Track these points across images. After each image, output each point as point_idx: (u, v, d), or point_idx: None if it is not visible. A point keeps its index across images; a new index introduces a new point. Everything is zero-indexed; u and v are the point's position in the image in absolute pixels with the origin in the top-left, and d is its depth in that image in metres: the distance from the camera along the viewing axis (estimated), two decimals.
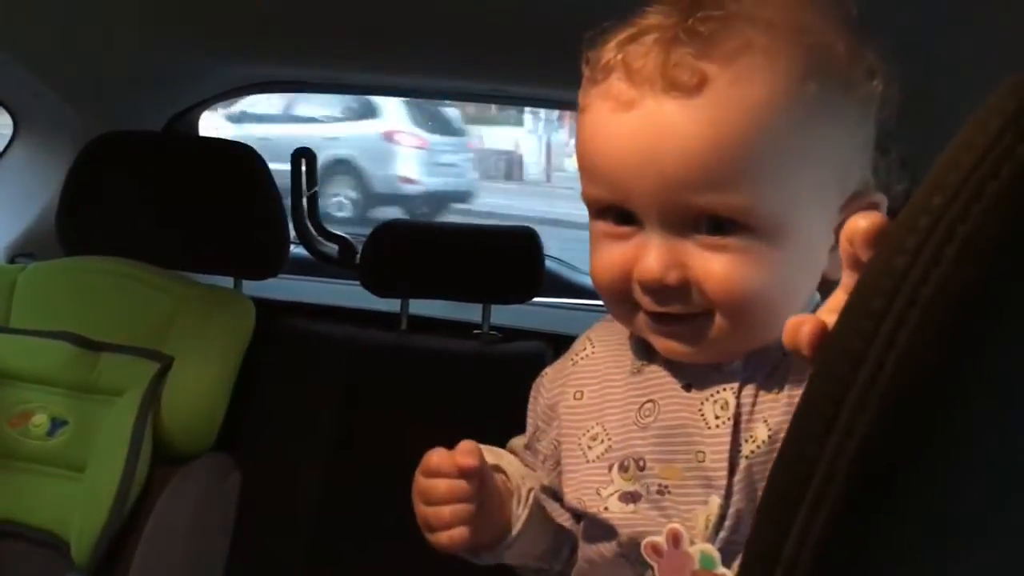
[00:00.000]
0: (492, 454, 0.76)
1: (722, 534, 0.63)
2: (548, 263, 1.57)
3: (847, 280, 0.43)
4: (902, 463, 0.28)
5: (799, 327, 0.40)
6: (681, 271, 0.60)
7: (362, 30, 1.30)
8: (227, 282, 1.55)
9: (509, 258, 1.51)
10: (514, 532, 0.73)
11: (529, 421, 0.79)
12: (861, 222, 0.39)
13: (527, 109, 11.33)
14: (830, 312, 0.39)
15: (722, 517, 0.63)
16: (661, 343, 0.65)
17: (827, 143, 0.60)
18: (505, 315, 1.57)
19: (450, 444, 0.70)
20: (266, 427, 1.43)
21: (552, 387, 0.76)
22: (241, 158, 1.50)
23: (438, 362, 1.49)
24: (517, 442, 0.82)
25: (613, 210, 0.63)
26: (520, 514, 0.74)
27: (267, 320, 1.45)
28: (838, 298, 0.44)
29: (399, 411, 1.42)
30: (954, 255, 0.27)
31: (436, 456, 0.70)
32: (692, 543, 0.63)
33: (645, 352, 0.70)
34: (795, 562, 0.30)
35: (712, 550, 0.62)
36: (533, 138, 12.43)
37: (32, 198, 1.63)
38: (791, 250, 0.60)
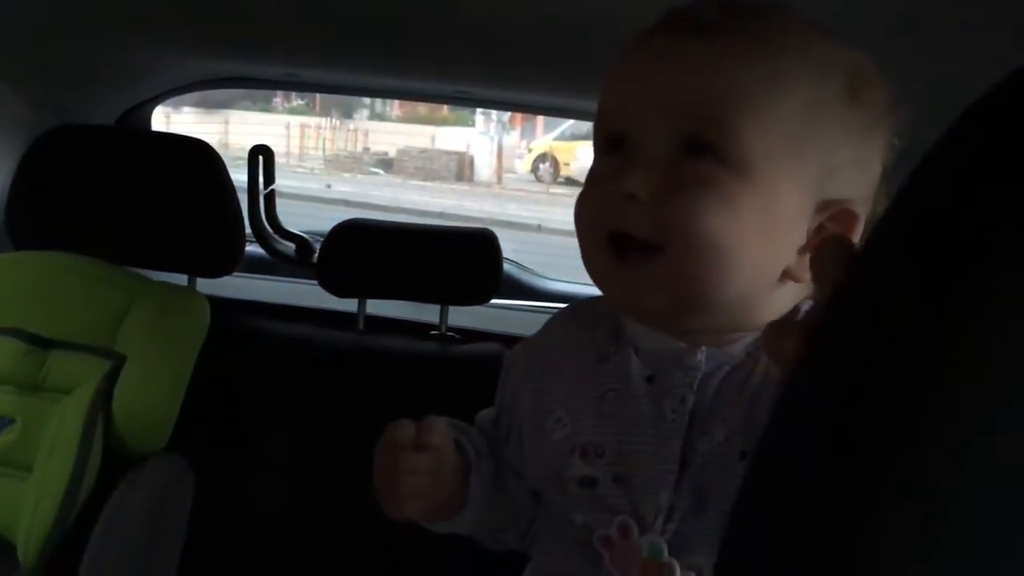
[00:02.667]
0: (455, 428, 0.77)
1: (671, 526, 0.65)
2: (507, 267, 1.58)
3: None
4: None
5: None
6: (651, 189, 0.63)
7: (318, 28, 1.29)
8: (181, 279, 1.53)
9: (467, 260, 1.51)
10: (469, 506, 0.76)
11: (497, 396, 0.81)
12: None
13: (479, 110, 11.36)
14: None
15: (672, 509, 0.65)
16: (614, 288, 0.68)
17: (824, 135, 0.63)
18: (460, 317, 1.57)
19: None
20: (221, 427, 1.41)
21: (522, 366, 0.79)
22: (196, 153, 1.48)
23: (396, 363, 1.49)
24: (485, 415, 0.83)
25: (617, 139, 0.66)
26: (476, 489, 0.76)
27: (222, 318, 1.43)
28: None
29: (356, 411, 1.41)
30: None
31: (399, 429, 0.72)
32: (641, 534, 0.65)
33: (614, 341, 0.72)
34: None
35: (660, 541, 0.65)
36: (485, 139, 12.46)
37: None
38: (754, 202, 0.62)
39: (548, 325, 0.80)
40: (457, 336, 1.55)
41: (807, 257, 0.64)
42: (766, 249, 0.64)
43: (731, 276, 0.63)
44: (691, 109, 0.62)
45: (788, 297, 0.67)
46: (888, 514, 0.28)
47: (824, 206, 0.64)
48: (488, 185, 12.07)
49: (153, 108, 1.84)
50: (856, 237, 0.64)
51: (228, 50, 1.56)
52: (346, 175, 11.88)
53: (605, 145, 0.68)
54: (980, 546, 0.27)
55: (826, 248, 0.41)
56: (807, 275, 0.65)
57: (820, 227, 0.65)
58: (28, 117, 1.55)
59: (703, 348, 0.67)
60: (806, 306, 0.67)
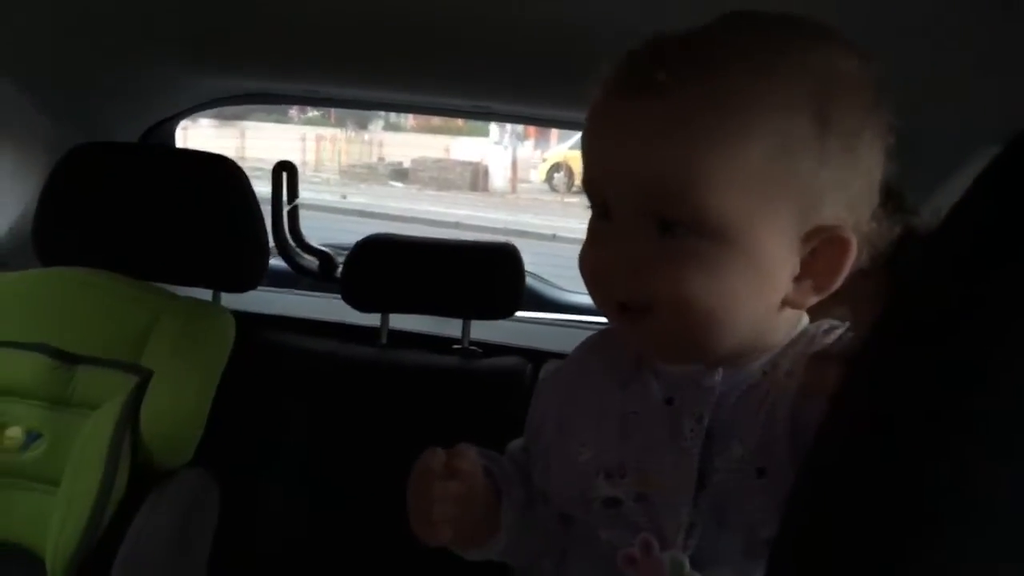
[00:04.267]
0: (486, 457, 0.79)
1: (692, 541, 0.66)
2: (530, 280, 1.59)
3: None
4: None
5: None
6: (632, 264, 0.63)
7: (337, 45, 1.31)
8: (205, 294, 1.54)
9: (490, 274, 1.52)
10: (501, 534, 0.77)
11: (527, 425, 0.83)
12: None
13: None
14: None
15: (692, 526, 0.66)
16: (624, 339, 0.70)
17: (791, 172, 0.60)
18: (482, 330, 1.58)
19: None
20: (246, 441, 1.42)
21: (549, 393, 0.81)
22: (220, 169, 1.49)
23: (418, 377, 1.49)
24: (516, 445, 0.85)
25: (596, 203, 0.67)
26: (507, 515, 0.77)
27: (247, 333, 1.44)
28: None
29: (379, 426, 1.42)
30: None
31: (431, 455, 0.73)
32: (663, 551, 0.66)
33: (635, 366, 0.73)
34: None
35: (681, 556, 0.66)
36: (499, 149, 12.48)
37: (6, 208, 1.61)
38: (737, 262, 0.61)
39: (572, 356, 0.82)
40: (479, 350, 1.55)
41: (805, 282, 0.64)
42: (758, 297, 0.64)
43: (724, 331, 0.64)
44: (653, 188, 0.61)
45: (794, 316, 0.68)
46: (935, 536, 0.29)
47: (813, 233, 0.63)
48: (503, 195, 12.08)
49: (176, 125, 1.86)
50: (850, 257, 0.63)
51: (249, 68, 1.57)
52: (361, 186, 11.92)
53: (592, 201, 0.68)
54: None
55: (861, 284, 0.41)
56: (808, 299, 0.65)
57: (814, 251, 0.63)
58: (54, 135, 1.57)
59: (719, 369, 0.68)
60: (823, 327, 0.68)
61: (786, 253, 0.63)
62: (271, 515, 1.40)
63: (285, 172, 1.64)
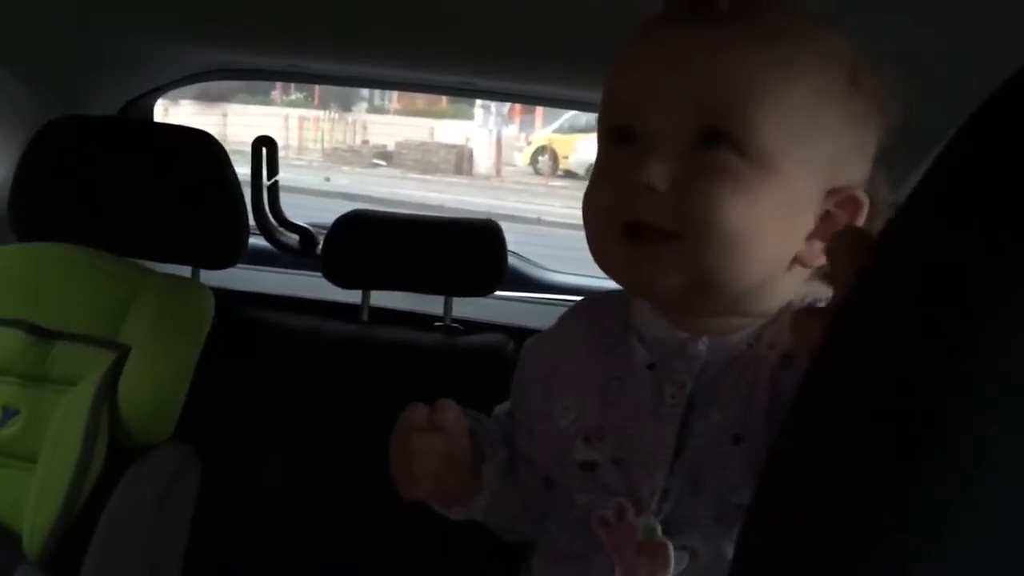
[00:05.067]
0: (471, 418, 0.79)
1: (666, 507, 0.67)
2: (512, 259, 1.58)
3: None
4: None
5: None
6: (669, 180, 0.63)
7: (320, 18, 1.29)
8: (184, 271, 1.52)
9: (472, 251, 1.51)
10: (484, 494, 0.78)
11: (513, 388, 0.83)
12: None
13: (478, 103, 11.34)
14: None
15: (667, 491, 0.67)
16: (628, 275, 0.68)
17: (832, 123, 0.64)
18: (464, 308, 1.57)
19: None
20: (225, 417, 1.41)
21: (535, 358, 0.81)
22: (199, 144, 1.48)
23: (400, 354, 1.49)
24: (502, 408, 0.85)
25: (619, 133, 0.67)
26: (490, 476, 0.78)
27: (227, 309, 1.43)
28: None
29: (360, 402, 1.41)
30: None
31: (412, 410, 0.74)
32: (636, 515, 0.68)
33: (621, 332, 0.74)
34: None
35: (654, 521, 0.67)
36: (484, 132, 12.44)
37: None
38: (772, 191, 0.63)
39: (561, 319, 0.82)
40: (461, 327, 1.55)
41: (815, 243, 0.67)
42: (781, 237, 0.65)
43: (747, 263, 0.65)
44: (706, 101, 0.62)
45: (793, 284, 0.69)
46: (915, 503, 0.28)
47: (832, 193, 0.66)
48: (487, 178, 12.05)
49: (156, 99, 1.84)
50: (861, 221, 0.66)
51: (230, 41, 1.55)
52: (345, 168, 11.85)
53: (613, 138, 0.67)
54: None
55: (845, 238, 0.42)
56: (816, 260, 0.67)
57: (827, 214, 0.66)
58: (31, 107, 1.54)
59: (704, 338, 0.69)
60: (807, 301, 0.69)
61: (810, 202, 0.66)
62: (252, 491, 1.39)
63: (265, 148, 1.62)
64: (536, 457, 0.77)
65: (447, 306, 1.54)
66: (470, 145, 12.46)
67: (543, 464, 0.76)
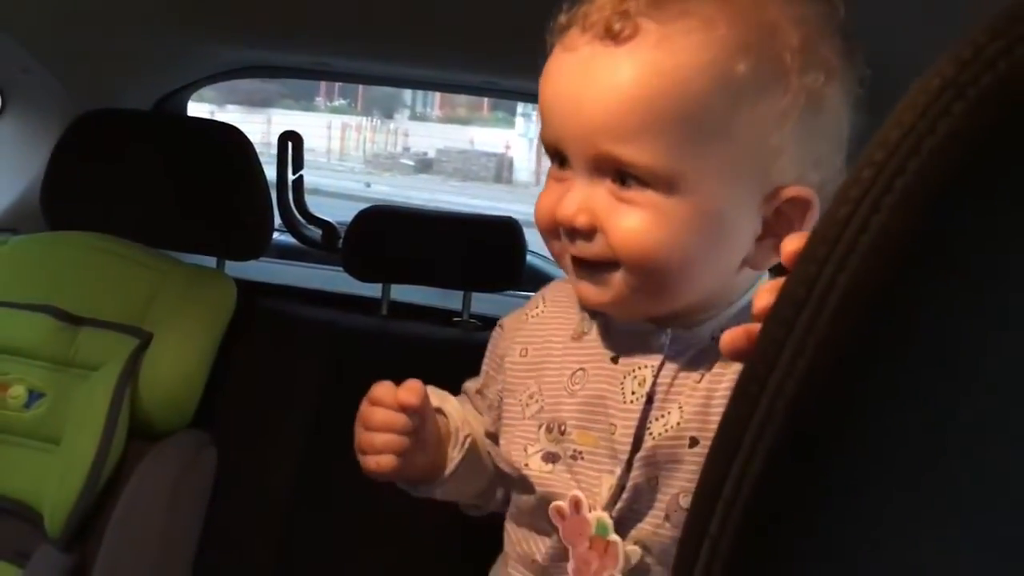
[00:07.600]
0: (437, 397, 0.80)
1: (619, 504, 0.67)
2: (532, 258, 1.58)
3: None
4: (838, 407, 0.29)
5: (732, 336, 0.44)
6: (591, 216, 0.62)
7: (353, 17, 1.31)
8: (210, 262, 1.55)
9: (491, 247, 1.52)
10: (447, 472, 0.78)
11: (483, 368, 0.84)
12: (790, 245, 0.40)
13: (519, 111, 11.37)
14: (768, 291, 0.41)
15: (621, 488, 0.67)
16: (578, 287, 0.68)
17: (747, 124, 0.59)
18: (483, 304, 1.58)
19: None
20: (244, 406, 1.43)
21: (505, 339, 0.81)
22: (228, 139, 1.50)
23: (418, 348, 1.50)
24: (470, 385, 0.86)
25: (555, 153, 0.66)
26: (454, 456, 0.78)
27: (249, 300, 1.46)
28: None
29: None
30: (892, 204, 0.28)
31: (380, 388, 0.75)
32: (591, 510, 0.68)
33: (588, 321, 0.74)
34: (734, 500, 0.31)
35: (606, 517, 0.67)
36: (524, 141, 12.46)
37: (18, 173, 1.63)
38: (694, 217, 0.60)
39: (533, 301, 0.82)
40: (479, 323, 1.56)
41: (767, 243, 0.64)
42: (718, 253, 0.64)
43: (686, 284, 0.64)
44: (607, 133, 0.60)
45: (751, 277, 0.68)
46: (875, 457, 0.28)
47: (775, 194, 0.62)
48: (526, 186, 12.06)
49: (189, 95, 1.87)
50: (812, 217, 0.62)
51: (259, 38, 1.58)
52: (385, 174, 11.95)
53: (550, 155, 0.67)
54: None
55: (787, 245, 0.41)
56: (768, 262, 0.65)
57: (777, 211, 0.63)
58: (66, 103, 1.59)
59: (668, 331, 0.68)
60: None
61: (746, 211, 0.62)
62: (267, 478, 1.41)
63: (291, 142, 1.65)
64: (501, 444, 0.77)
65: (466, 301, 1.55)
66: (510, 153, 12.49)
67: (505, 452, 0.76)
